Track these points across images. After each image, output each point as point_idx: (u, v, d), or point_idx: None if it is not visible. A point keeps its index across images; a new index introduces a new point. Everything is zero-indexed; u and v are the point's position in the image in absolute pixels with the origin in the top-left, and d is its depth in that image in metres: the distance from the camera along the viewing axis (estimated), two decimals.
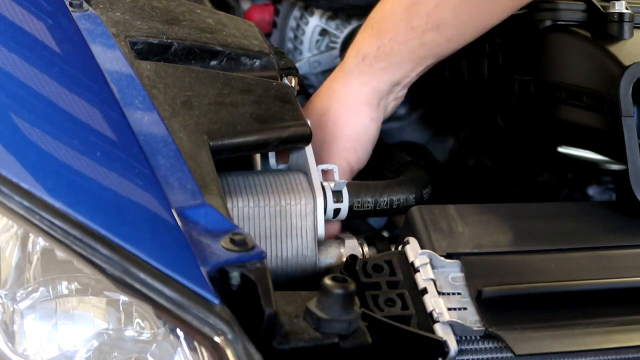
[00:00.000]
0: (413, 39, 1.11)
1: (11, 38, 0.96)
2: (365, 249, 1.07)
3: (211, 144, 0.95)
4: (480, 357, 0.93)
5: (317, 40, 1.42)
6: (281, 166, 1.12)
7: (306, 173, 1.06)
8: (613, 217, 1.06)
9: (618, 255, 1.01)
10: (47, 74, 0.93)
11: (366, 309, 0.91)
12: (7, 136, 0.86)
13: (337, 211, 1.06)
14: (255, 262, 0.81)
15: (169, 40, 1.06)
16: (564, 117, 1.15)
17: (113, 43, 1.01)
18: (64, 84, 0.92)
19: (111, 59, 0.99)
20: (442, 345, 0.90)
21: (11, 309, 0.86)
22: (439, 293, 0.94)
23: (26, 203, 0.81)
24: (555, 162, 1.29)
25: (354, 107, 1.15)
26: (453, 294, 0.95)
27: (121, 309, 0.85)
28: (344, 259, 1.00)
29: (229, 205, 0.98)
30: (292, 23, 1.44)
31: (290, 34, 1.44)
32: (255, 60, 1.09)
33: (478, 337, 0.93)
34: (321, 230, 1.04)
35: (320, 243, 1.04)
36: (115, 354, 0.86)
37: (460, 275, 0.97)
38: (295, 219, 1.03)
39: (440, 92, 1.36)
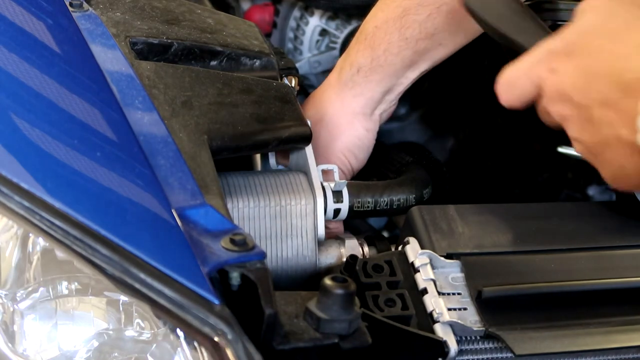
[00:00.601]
0: (407, 48, 1.12)
1: (11, 38, 0.96)
2: (365, 249, 1.07)
3: (211, 144, 0.95)
4: (480, 357, 0.93)
5: (317, 41, 1.42)
6: (280, 166, 1.12)
7: (306, 173, 1.06)
8: (613, 217, 1.06)
9: (618, 255, 1.01)
10: (47, 74, 0.93)
11: (366, 309, 0.91)
12: (7, 136, 0.86)
13: (337, 211, 1.06)
14: (255, 262, 0.81)
15: (169, 40, 1.06)
16: None
17: (113, 43, 1.01)
18: (64, 84, 0.92)
19: (111, 59, 0.99)
20: (442, 345, 0.90)
21: (11, 309, 0.86)
22: (439, 293, 0.94)
23: (26, 203, 0.81)
24: (555, 162, 1.29)
25: (348, 117, 1.15)
26: (453, 294, 0.95)
27: (121, 309, 0.85)
28: (344, 259, 1.00)
29: (229, 205, 0.98)
30: (292, 23, 1.44)
31: (290, 34, 1.44)
32: (255, 60, 1.09)
33: (478, 337, 0.93)
34: (321, 231, 1.04)
35: (320, 243, 1.04)
36: (115, 354, 0.86)
37: (460, 275, 0.97)
38: (296, 219, 1.03)
39: (440, 92, 1.36)
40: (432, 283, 0.95)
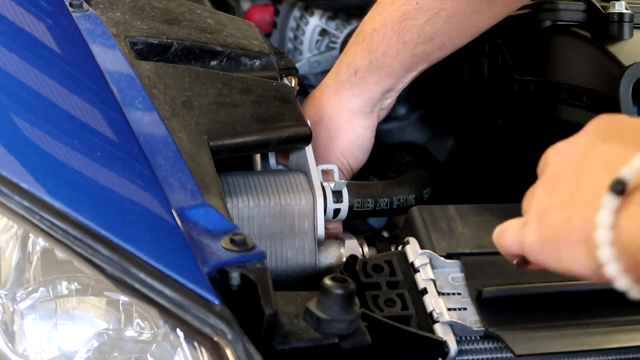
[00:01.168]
0: (405, 51, 1.12)
1: (11, 38, 0.96)
2: (365, 249, 1.07)
3: (211, 144, 0.95)
4: (480, 357, 0.93)
5: (317, 41, 1.42)
6: (280, 166, 1.12)
7: (306, 173, 1.06)
8: None
9: None
10: (47, 74, 0.93)
11: (366, 309, 0.91)
12: (7, 136, 0.86)
13: (337, 211, 1.06)
14: (255, 262, 0.81)
15: (169, 41, 1.06)
16: (564, 117, 1.15)
17: (113, 43, 1.01)
18: (64, 84, 0.92)
19: (111, 59, 0.99)
20: (442, 345, 0.90)
21: (11, 309, 0.86)
22: (439, 293, 0.94)
23: (26, 203, 0.81)
24: None
25: (346, 117, 1.15)
26: (453, 294, 0.95)
27: (121, 309, 0.85)
28: (344, 259, 1.00)
29: (229, 205, 0.98)
30: (292, 23, 1.44)
31: (290, 34, 1.44)
32: (255, 60, 1.09)
33: (478, 337, 0.93)
34: (321, 231, 1.04)
35: (320, 243, 1.04)
36: (115, 354, 0.86)
37: (460, 275, 0.97)
38: (295, 219, 1.03)
39: (440, 92, 1.36)
40: (432, 283, 0.95)
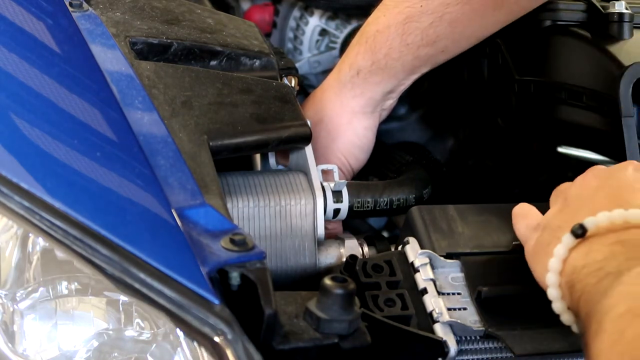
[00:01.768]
0: (407, 54, 1.12)
1: (11, 38, 0.96)
2: (365, 249, 1.07)
3: (211, 144, 0.95)
4: (480, 357, 0.93)
5: (317, 40, 1.42)
6: (280, 166, 1.12)
7: (306, 173, 1.06)
8: None
9: None
10: (47, 74, 0.93)
11: (366, 309, 0.91)
12: (7, 136, 0.86)
13: (337, 211, 1.06)
14: (255, 262, 0.81)
15: (169, 40, 1.06)
16: (564, 117, 1.15)
17: (113, 43, 1.01)
18: (64, 84, 0.92)
19: (111, 59, 0.99)
20: (442, 345, 0.90)
21: (11, 309, 0.86)
22: (439, 293, 0.94)
23: (26, 203, 0.81)
24: (555, 162, 1.29)
25: (347, 117, 1.15)
26: (453, 294, 0.95)
27: (121, 309, 0.85)
28: (344, 259, 1.00)
29: (229, 205, 0.98)
30: (292, 23, 1.44)
31: (290, 34, 1.44)
32: (255, 60, 1.09)
33: (478, 337, 0.93)
34: (321, 230, 1.04)
35: (320, 243, 1.04)
36: (115, 354, 0.86)
37: (460, 275, 0.97)
38: (295, 219, 1.03)
39: (440, 92, 1.36)
40: (431, 283, 0.95)
